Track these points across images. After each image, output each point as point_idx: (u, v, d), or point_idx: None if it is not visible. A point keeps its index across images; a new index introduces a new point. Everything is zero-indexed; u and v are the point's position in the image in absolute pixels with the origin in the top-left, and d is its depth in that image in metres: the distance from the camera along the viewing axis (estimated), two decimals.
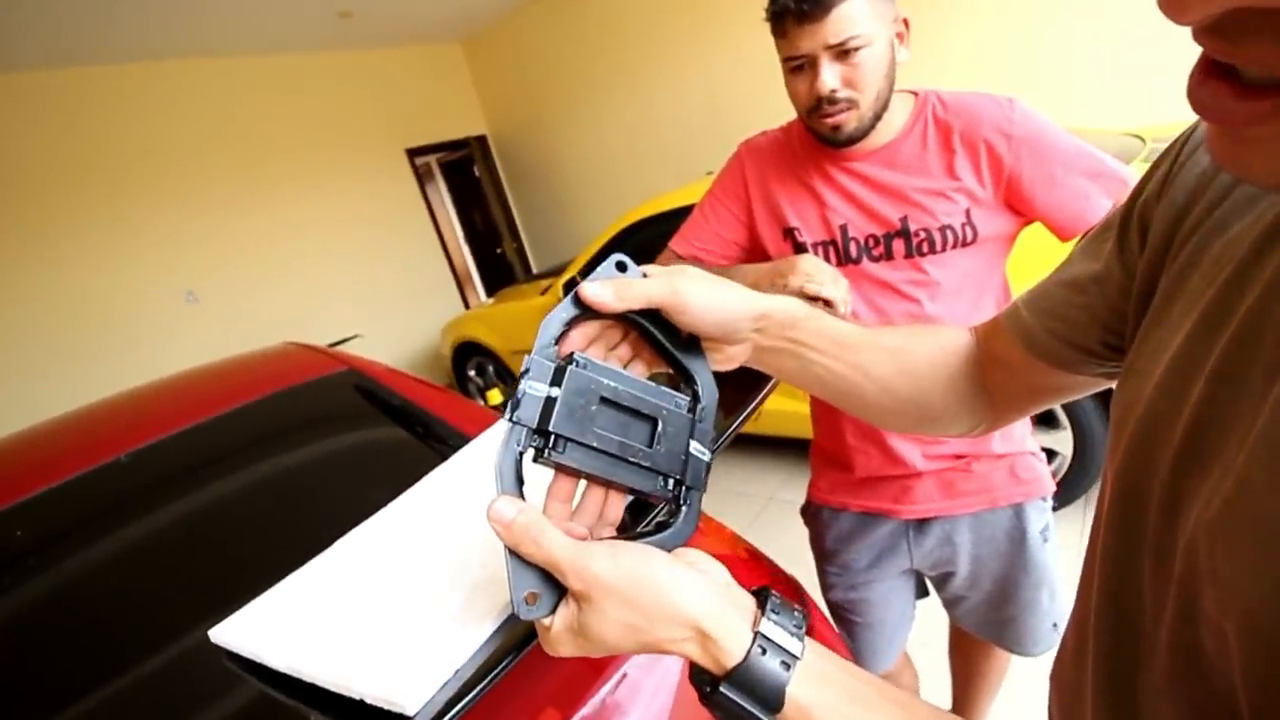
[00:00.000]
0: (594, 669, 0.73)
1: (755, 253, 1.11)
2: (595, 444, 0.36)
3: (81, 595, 0.84)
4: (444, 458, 1.00)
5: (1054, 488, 1.08)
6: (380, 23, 4.84)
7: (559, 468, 0.37)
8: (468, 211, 6.80)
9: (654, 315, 0.40)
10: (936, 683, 1.49)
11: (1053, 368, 0.49)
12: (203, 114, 4.58)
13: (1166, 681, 0.33)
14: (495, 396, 3.22)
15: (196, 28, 4.01)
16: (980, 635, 1.18)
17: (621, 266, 0.40)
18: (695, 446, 0.40)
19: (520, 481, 0.35)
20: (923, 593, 1.25)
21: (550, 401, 0.36)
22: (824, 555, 1.19)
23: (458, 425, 1.24)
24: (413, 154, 5.80)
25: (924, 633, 1.42)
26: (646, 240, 2.77)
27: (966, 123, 0.93)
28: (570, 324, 0.39)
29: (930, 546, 1.08)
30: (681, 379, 0.42)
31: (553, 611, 0.35)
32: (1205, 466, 0.32)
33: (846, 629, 1.21)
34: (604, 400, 0.37)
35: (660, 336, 0.41)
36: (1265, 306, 0.31)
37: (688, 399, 0.40)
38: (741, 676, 0.33)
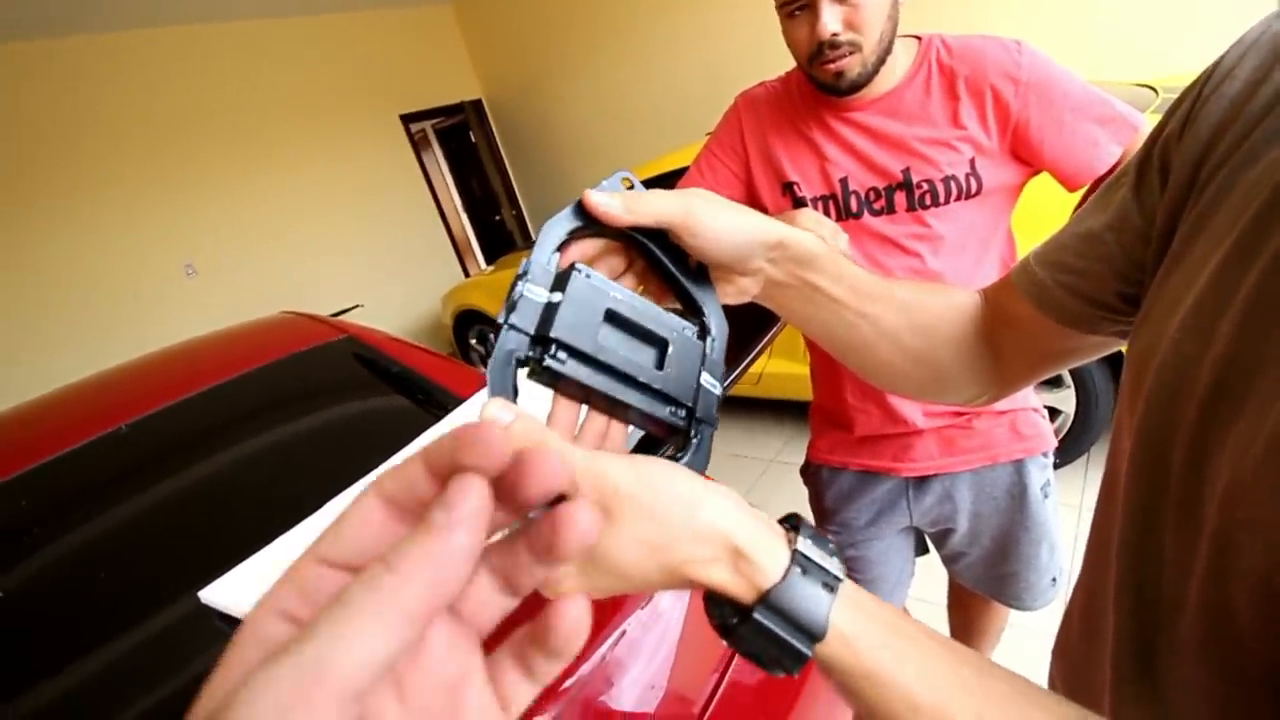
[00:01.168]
0: (593, 625, 0.73)
1: (752, 204, 1.08)
2: (601, 356, 0.33)
3: (84, 561, 0.85)
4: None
5: (1055, 444, 1.08)
6: None
7: (558, 382, 0.33)
8: (465, 179, 6.71)
9: (661, 239, 0.37)
10: None
11: (1065, 326, 0.47)
12: (195, 82, 4.48)
13: (1195, 644, 0.32)
14: None
15: None
16: (979, 591, 1.19)
17: (629, 185, 0.37)
18: (706, 378, 0.37)
19: (515, 393, 0.31)
20: (922, 549, 1.25)
21: (551, 307, 0.32)
22: (823, 514, 1.20)
23: (457, 391, 1.24)
24: (407, 120, 5.69)
25: (923, 589, 1.43)
26: None
27: (972, 68, 0.89)
28: (572, 235, 0.35)
29: (930, 504, 1.08)
30: (689, 311, 0.39)
31: None
32: (1238, 407, 0.31)
33: None
34: (609, 316, 0.34)
35: (668, 262, 0.37)
36: None
37: (697, 328, 0.37)
38: (780, 599, 0.29)
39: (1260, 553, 0.28)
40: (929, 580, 1.42)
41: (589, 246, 0.38)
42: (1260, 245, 0.32)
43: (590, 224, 0.36)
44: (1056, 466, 1.10)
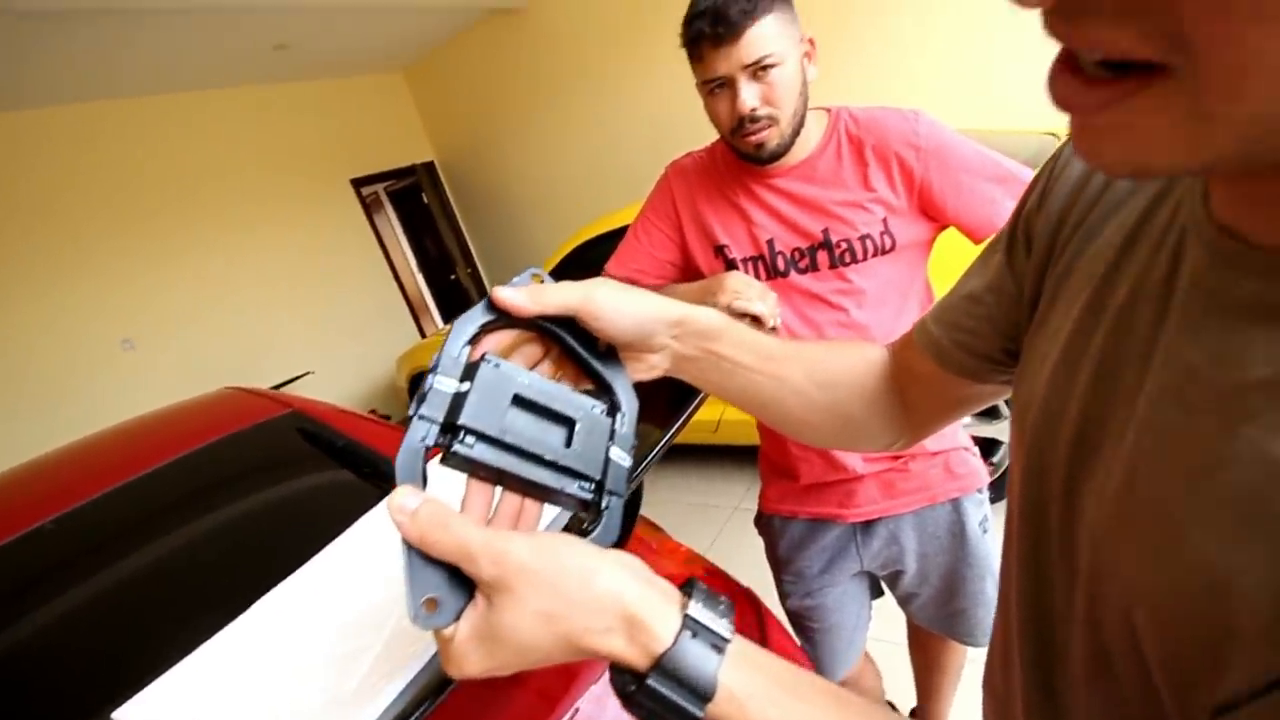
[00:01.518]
0: (544, 708, 0.72)
1: (689, 270, 1.13)
2: (508, 439, 0.34)
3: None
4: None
5: (989, 480, 1.12)
6: (318, 54, 4.79)
7: (471, 467, 0.34)
8: (419, 239, 6.74)
9: (571, 326, 0.40)
10: (901, 679, 1.51)
11: (961, 378, 0.51)
12: (134, 153, 4.43)
13: (1084, 678, 0.34)
14: None
15: (126, 67, 3.90)
16: (934, 630, 1.21)
17: (539, 279, 0.40)
18: (616, 451, 0.38)
19: (425, 480, 0.33)
20: (878, 592, 1.27)
21: (460, 396, 0.34)
22: (778, 564, 1.21)
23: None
24: (358, 184, 5.73)
25: (884, 630, 1.44)
26: (599, 257, 2.77)
27: (877, 137, 0.97)
28: (484, 329, 0.38)
29: (878, 547, 1.11)
30: (599, 389, 0.41)
31: (456, 618, 0.31)
32: (1096, 459, 0.34)
33: (806, 636, 1.22)
34: (518, 400, 0.36)
35: (577, 346, 0.40)
36: (1131, 303, 0.33)
37: (606, 406, 0.39)
38: (671, 663, 0.30)
39: (1120, 595, 0.31)
40: (889, 621, 1.43)
41: (505, 338, 0.40)
42: (1101, 314, 0.36)
43: (502, 317, 0.38)
44: (994, 500, 1.13)
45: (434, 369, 0.35)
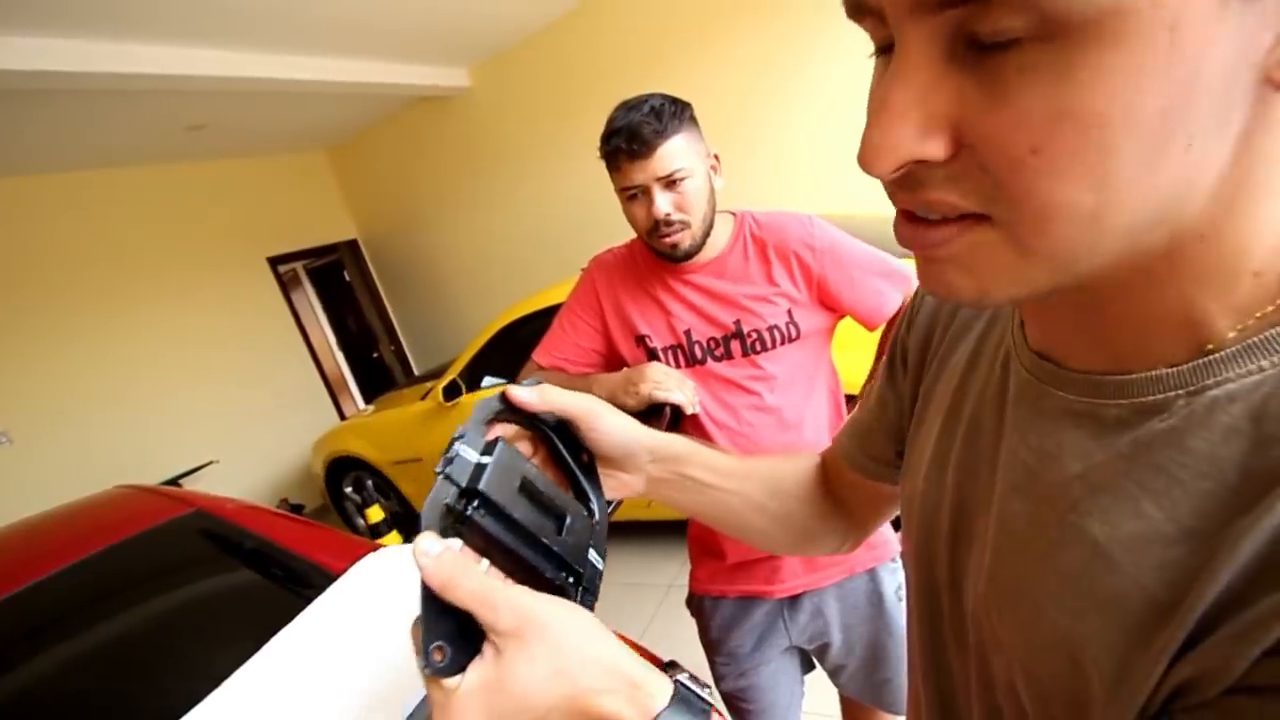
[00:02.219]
0: None
1: (612, 359, 1.18)
2: (514, 514, 0.37)
3: None
4: (307, 602, 0.94)
5: (900, 549, 1.19)
6: (236, 134, 4.74)
7: (466, 535, 0.36)
8: (340, 316, 6.57)
9: (562, 433, 0.45)
10: None
11: (879, 481, 0.57)
12: (22, 231, 4.16)
13: None
14: (376, 514, 3.02)
15: (23, 144, 3.71)
16: (864, 700, 1.23)
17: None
18: (594, 554, 0.42)
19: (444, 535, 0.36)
20: (809, 667, 1.29)
21: (480, 467, 0.37)
22: (711, 647, 1.22)
23: (325, 563, 1.17)
24: (275, 262, 5.58)
25: (818, 703, 1.45)
26: (527, 336, 2.81)
27: (778, 238, 1.07)
28: (495, 416, 0.42)
29: (804, 621, 1.14)
30: (577, 494, 0.45)
31: (462, 670, 0.32)
32: (969, 549, 0.39)
33: (742, 718, 1.22)
34: (523, 484, 0.39)
35: (564, 451, 0.45)
36: (978, 413, 0.40)
37: (585, 511, 0.43)
38: None
39: (1003, 666, 0.36)
40: (823, 695, 1.45)
41: (506, 431, 0.44)
42: (959, 417, 0.42)
43: (510, 411, 0.43)
44: None
45: (460, 438, 0.38)
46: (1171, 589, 0.26)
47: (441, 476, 0.36)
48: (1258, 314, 0.26)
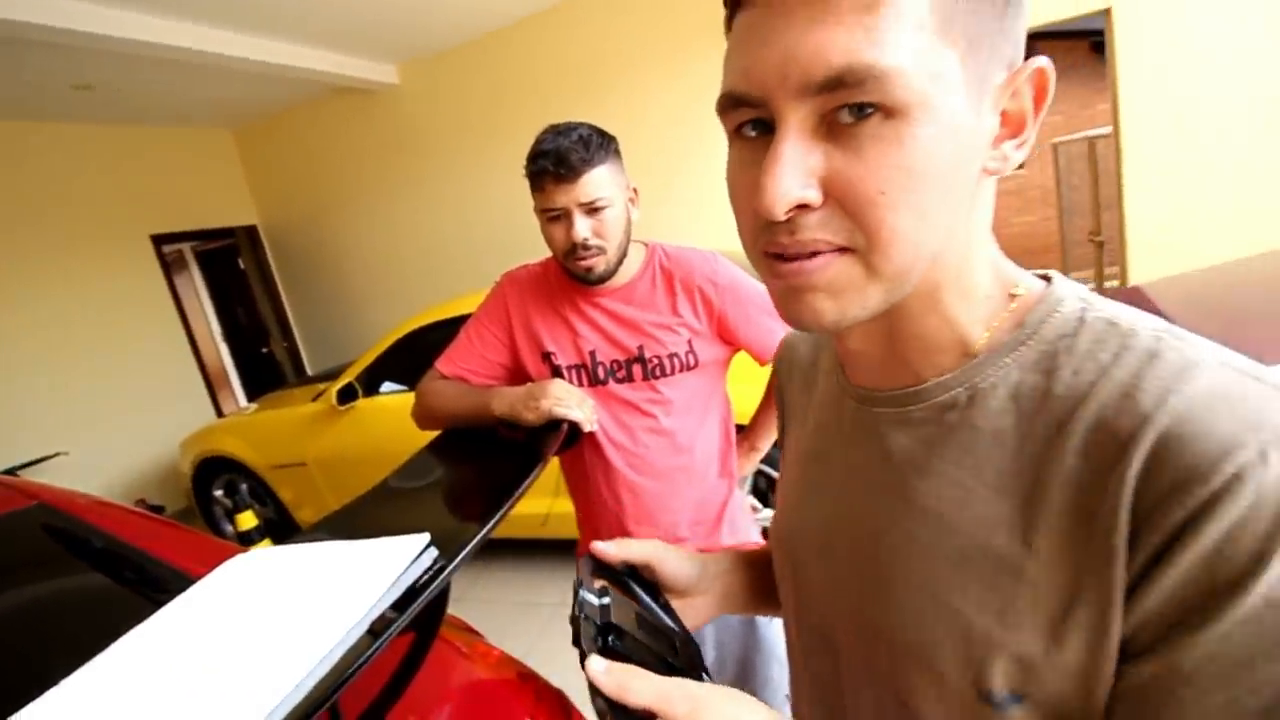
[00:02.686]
0: None
1: (517, 373, 1.20)
2: (642, 639, 0.42)
3: None
4: (160, 605, 0.87)
5: None
6: (130, 100, 4.36)
7: (617, 660, 0.40)
8: (229, 306, 6.12)
9: (636, 577, 0.52)
10: None
11: None
12: None
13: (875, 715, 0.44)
14: (248, 520, 2.80)
15: None
16: None
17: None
18: (704, 673, 0.45)
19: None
20: None
21: (605, 607, 0.42)
22: None
23: (184, 565, 1.09)
24: (160, 240, 5.14)
25: None
26: (432, 345, 2.74)
27: (685, 272, 1.14)
28: (593, 572, 0.49)
29: None
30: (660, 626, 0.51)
31: None
32: (836, 555, 0.46)
33: None
34: (638, 617, 0.44)
35: (641, 592, 0.51)
36: (825, 448, 0.49)
37: (683, 633, 0.48)
38: None
39: (885, 654, 0.41)
40: None
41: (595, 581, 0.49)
42: (813, 454, 0.49)
43: (598, 566, 0.50)
44: None
45: (579, 586, 0.44)
46: (996, 531, 0.35)
47: (583, 618, 0.42)
48: (994, 324, 0.38)
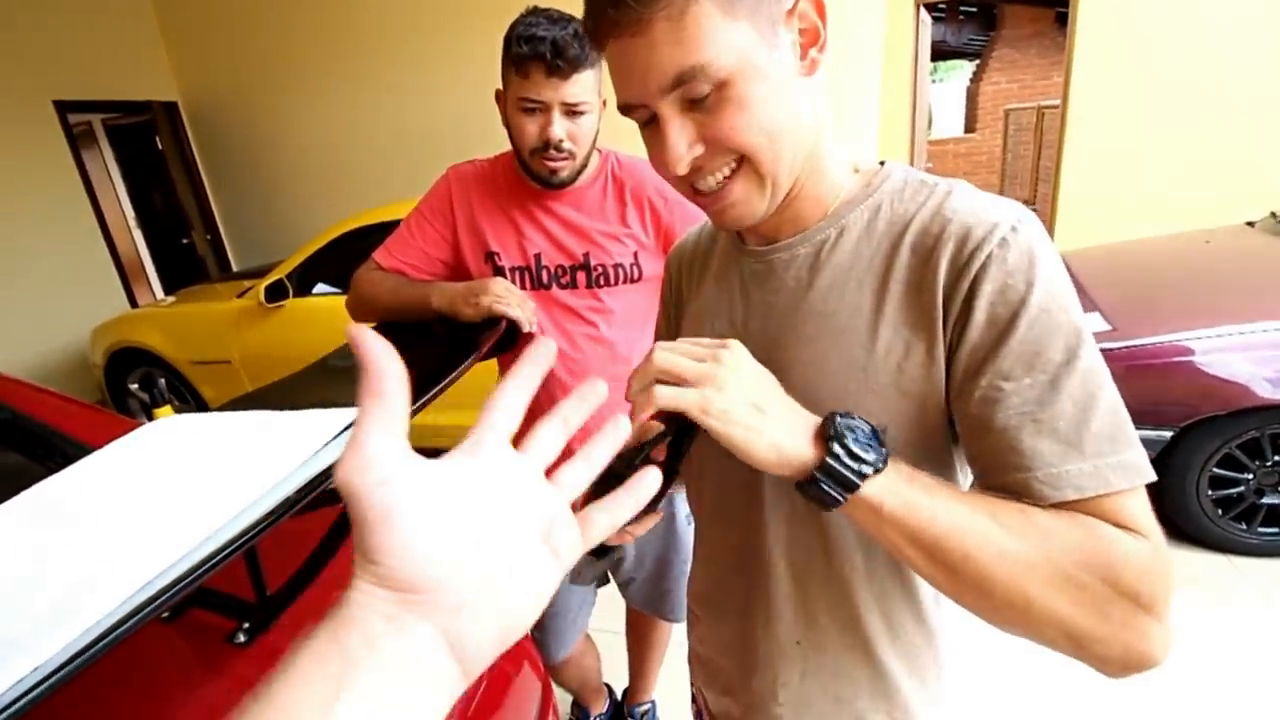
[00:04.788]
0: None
1: (458, 270, 1.18)
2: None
3: None
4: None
5: None
6: None
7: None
8: (145, 190, 5.65)
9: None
10: (618, 663, 1.69)
11: None
12: None
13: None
14: (166, 415, 2.69)
15: None
16: (646, 610, 1.39)
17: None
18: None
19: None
20: (603, 581, 1.42)
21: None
22: None
23: (87, 438, 1.06)
24: (64, 108, 4.63)
25: (605, 621, 1.61)
26: (370, 247, 2.61)
27: (636, 182, 1.14)
28: None
29: None
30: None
31: None
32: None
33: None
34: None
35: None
36: (726, 286, 0.63)
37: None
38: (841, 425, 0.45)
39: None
40: (610, 614, 1.60)
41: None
42: (715, 312, 0.63)
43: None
44: None
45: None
46: (860, 310, 0.52)
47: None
48: (841, 194, 0.56)
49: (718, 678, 0.70)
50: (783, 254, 0.57)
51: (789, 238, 0.57)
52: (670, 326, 0.74)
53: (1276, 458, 2.00)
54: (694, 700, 0.80)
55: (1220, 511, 2.07)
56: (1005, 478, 0.45)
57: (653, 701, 1.68)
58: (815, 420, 0.46)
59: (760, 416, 0.44)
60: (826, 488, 0.43)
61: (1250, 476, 2.02)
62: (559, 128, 1.02)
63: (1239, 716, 1.58)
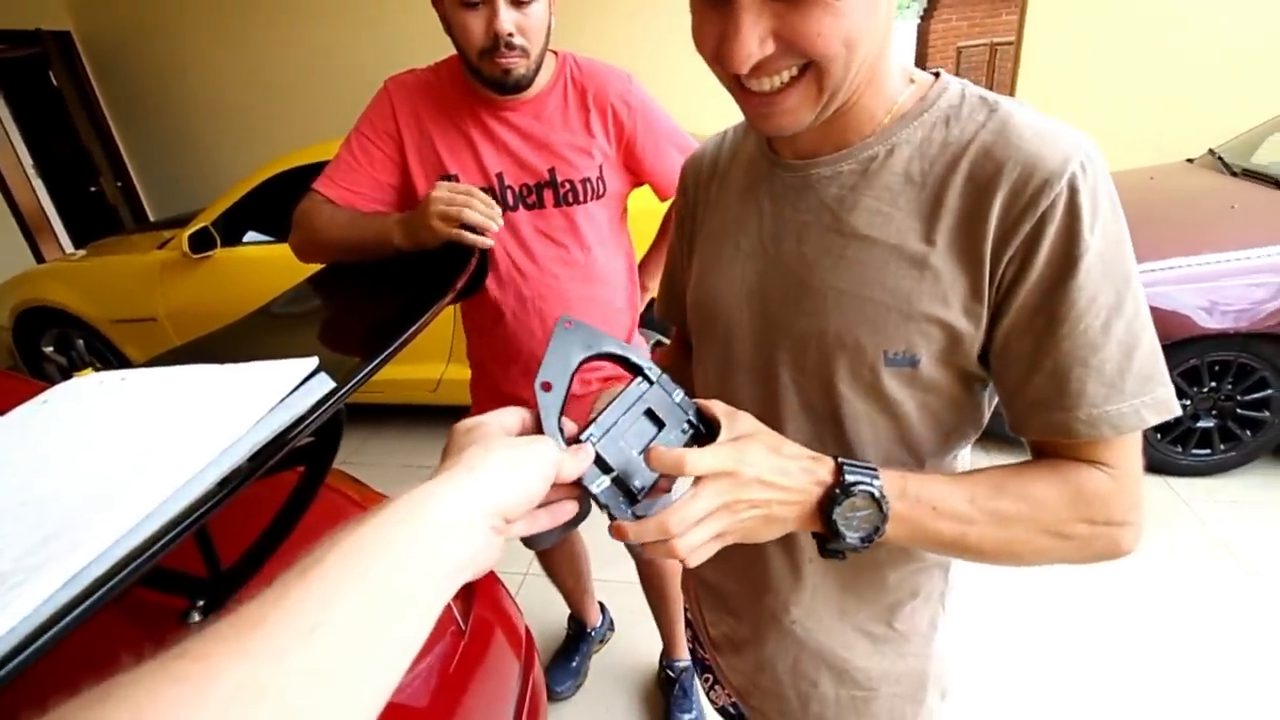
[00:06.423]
0: None
1: (408, 195, 1.07)
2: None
3: None
4: None
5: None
6: None
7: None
8: (42, 133, 5.09)
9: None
10: (631, 610, 1.68)
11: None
12: None
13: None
14: None
15: None
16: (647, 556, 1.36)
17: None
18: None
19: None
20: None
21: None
22: None
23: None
24: None
25: (615, 573, 1.59)
26: (300, 191, 2.42)
27: (598, 86, 1.04)
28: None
29: None
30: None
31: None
32: (774, 297, 0.56)
33: None
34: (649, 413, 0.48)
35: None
36: (755, 200, 0.58)
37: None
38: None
39: (816, 360, 0.54)
40: (626, 565, 1.58)
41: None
42: (743, 227, 0.58)
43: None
44: None
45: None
46: (908, 237, 0.48)
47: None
48: (894, 108, 0.51)
49: (726, 601, 0.70)
50: (823, 169, 0.53)
51: (831, 153, 0.52)
52: (684, 247, 0.69)
53: (1212, 384, 2.10)
54: (688, 625, 0.82)
55: (1159, 435, 2.18)
56: (1046, 416, 0.47)
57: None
58: (814, 497, 0.46)
59: (769, 527, 0.46)
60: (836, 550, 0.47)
61: (1188, 403, 2.13)
62: (506, 19, 0.91)
63: (1180, 630, 1.71)
